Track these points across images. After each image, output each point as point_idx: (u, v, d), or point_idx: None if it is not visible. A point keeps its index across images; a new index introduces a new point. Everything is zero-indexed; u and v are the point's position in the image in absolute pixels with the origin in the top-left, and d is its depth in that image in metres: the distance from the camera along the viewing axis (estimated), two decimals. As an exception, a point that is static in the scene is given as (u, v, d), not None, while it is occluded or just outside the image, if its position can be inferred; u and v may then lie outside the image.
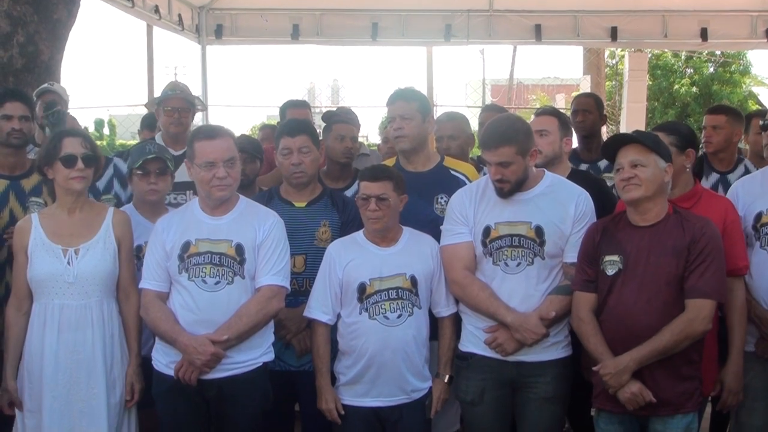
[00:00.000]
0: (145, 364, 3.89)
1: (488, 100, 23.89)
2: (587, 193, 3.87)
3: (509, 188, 3.71)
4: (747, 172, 5.11)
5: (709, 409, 4.70)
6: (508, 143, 3.69)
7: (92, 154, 3.82)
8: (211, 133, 3.78)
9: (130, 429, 3.89)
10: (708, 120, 5.32)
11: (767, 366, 4.05)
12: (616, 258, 3.55)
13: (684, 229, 3.54)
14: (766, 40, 8.41)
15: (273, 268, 3.77)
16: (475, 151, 6.29)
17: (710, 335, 3.80)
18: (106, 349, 3.75)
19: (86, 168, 3.78)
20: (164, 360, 3.78)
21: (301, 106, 6.06)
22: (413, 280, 3.82)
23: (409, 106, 4.33)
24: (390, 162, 4.53)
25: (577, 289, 3.66)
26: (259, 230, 3.80)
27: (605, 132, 7.65)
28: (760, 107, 22.01)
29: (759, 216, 3.99)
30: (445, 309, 3.94)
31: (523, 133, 3.78)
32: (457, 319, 3.97)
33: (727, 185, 4.93)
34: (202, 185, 3.75)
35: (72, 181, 3.76)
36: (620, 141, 3.66)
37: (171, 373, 3.72)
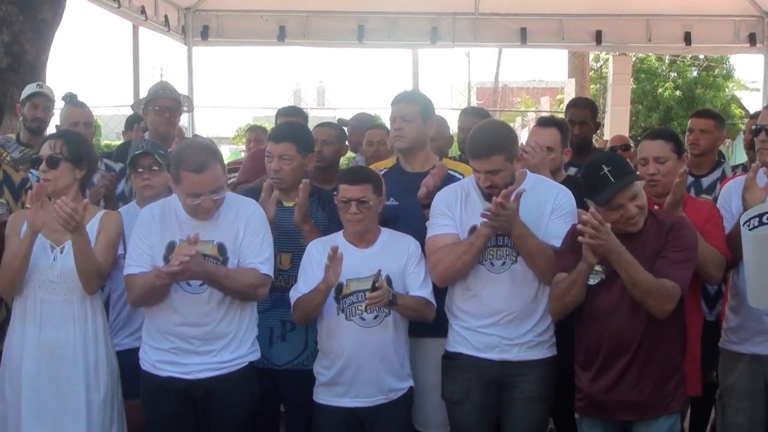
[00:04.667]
0: (131, 356, 3.90)
1: (474, 103, 23.94)
2: (567, 190, 3.92)
3: (498, 193, 3.72)
4: (723, 175, 5.16)
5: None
6: (498, 152, 3.71)
7: (55, 156, 3.81)
8: (199, 166, 3.60)
9: (122, 424, 3.88)
10: (696, 123, 5.33)
11: (752, 366, 4.09)
12: (598, 268, 3.55)
13: (661, 230, 3.59)
14: (748, 45, 8.47)
15: (259, 255, 3.77)
16: (455, 151, 6.34)
17: (693, 336, 3.84)
18: (88, 348, 3.75)
19: (49, 169, 3.79)
20: (152, 359, 3.79)
21: (295, 113, 6.02)
22: (389, 281, 3.83)
23: (411, 109, 4.39)
24: (381, 165, 4.58)
25: (559, 271, 3.66)
26: (241, 223, 3.80)
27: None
28: (742, 110, 22.18)
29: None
30: (420, 291, 3.91)
31: (511, 141, 3.83)
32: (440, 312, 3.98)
33: (699, 188, 4.99)
34: (186, 207, 3.73)
35: (42, 181, 3.81)
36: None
37: (158, 372, 3.75)
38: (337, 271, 3.69)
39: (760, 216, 3.47)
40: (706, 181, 5.15)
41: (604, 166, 3.55)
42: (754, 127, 4.25)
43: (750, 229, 3.46)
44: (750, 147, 5.45)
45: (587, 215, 3.34)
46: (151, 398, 3.84)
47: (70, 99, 5.42)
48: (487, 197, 3.72)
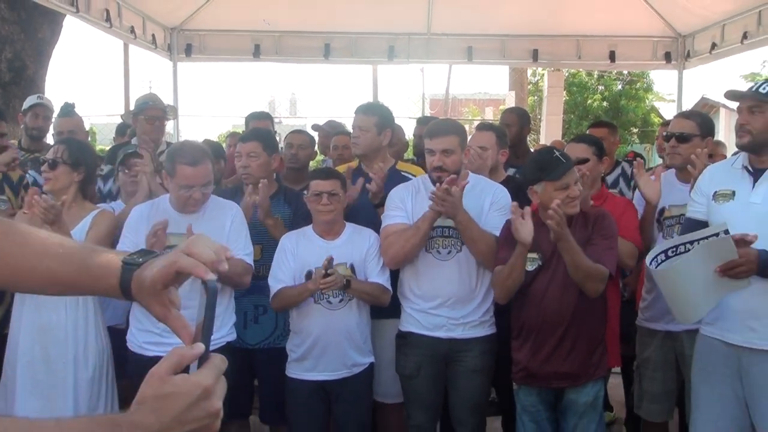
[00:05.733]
0: (119, 336, 3.86)
1: (427, 112, 23.88)
2: (503, 188, 3.95)
3: (444, 178, 3.72)
4: (623, 172, 5.33)
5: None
6: (454, 132, 3.81)
7: (56, 159, 3.85)
8: (194, 159, 3.67)
9: (112, 399, 3.83)
10: (594, 133, 5.41)
11: (665, 341, 4.15)
12: (534, 255, 3.60)
13: (587, 222, 3.63)
14: (665, 62, 8.54)
15: (245, 248, 3.79)
16: (410, 154, 6.35)
17: (613, 314, 3.90)
18: (78, 330, 3.70)
19: (50, 170, 3.86)
20: (139, 340, 3.75)
21: (263, 117, 6.09)
22: (353, 269, 3.84)
23: (367, 120, 4.40)
24: (345, 167, 4.56)
25: (498, 263, 3.66)
26: (226, 221, 3.80)
27: (530, 141, 7.71)
28: (661, 119, 22.42)
29: (662, 211, 4.15)
30: (378, 278, 3.90)
31: (463, 131, 3.93)
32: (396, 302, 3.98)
33: (606, 185, 5.02)
34: (177, 200, 3.73)
35: (44, 180, 3.91)
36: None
37: (145, 353, 3.71)
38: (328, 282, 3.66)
39: (665, 251, 3.46)
40: (609, 179, 5.25)
41: (555, 151, 3.69)
42: (665, 134, 4.32)
43: (657, 266, 3.44)
44: (661, 150, 5.57)
45: (555, 205, 3.35)
46: (138, 377, 3.77)
47: (67, 109, 5.36)
48: (435, 181, 3.75)
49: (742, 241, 3.19)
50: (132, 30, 7.14)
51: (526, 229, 3.47)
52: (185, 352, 1.06)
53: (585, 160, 3.77)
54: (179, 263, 1.20)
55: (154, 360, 3.44)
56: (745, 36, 7.07)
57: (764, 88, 3.44)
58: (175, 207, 3.78)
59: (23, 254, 1.30)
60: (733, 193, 3.49)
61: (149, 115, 5.13)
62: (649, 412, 4.26)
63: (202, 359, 1.07)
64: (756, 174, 3.46)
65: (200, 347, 1.07)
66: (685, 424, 3.96)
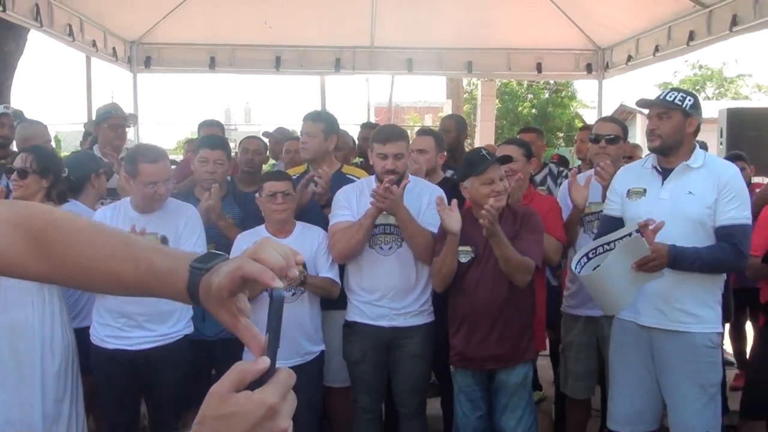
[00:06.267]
0: (83, 336, 3.81)
1: (372, 119, 23.95)
2: (440, 189, 3.98)
3: (397, 179, 3.76)
4: (550, 172, 5.42)
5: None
6: (404, 139, 3.85)
7: (25, 169, 3.81)
8: (154, 157, 3.70)
9: (77, 392, 3.79)
10: (525, 137, 5.46)
11: (587, 326, 4.25)
12: (468, 249, 3.64)
13: (515, 219, 3.70)
14: (586, 73, 8.71)
15: (194, 248, 3.73)
16: (356, 158, 6.37)
17: (540, 302, 3.96)
18: (45, 327, 3.62)
19: (20, 179, 3.81)
20: (101, 334, 3.72)
21: (214, 125, 6.10)
22: (304, 265, 3.83)
23: (315, 126, 4.39)
24: (295, 170, 4.57)
25: (435, 255, 3.70)
26: (180, 222, 3.78)
27: (466, 145, 7.79)
28: (584, 124, 22.83)
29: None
30: (328, 273, 3.92)
31: (408, 136, 3.95)
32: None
33: (534, 183, 5.10)
34: (143, 198, 3.70)
35: (14, 188, 3.85)
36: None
37: (107, 345, 3.68)
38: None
39: (587, 254, 3.55)
40: (538, 178, 5.33)
41: (482, 150, 3.79)
42: (592, 136, 4.40)
43: (581, 269, 3.51)
44: (579, 152, 5.70)
45: (488, 206, 3.38)
46: (100, 368, 3.77)
47: (19, 119, 5.32)
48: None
49: (649, 230, 3.30)
50: (94, 43, 7.05)
51: (453, 220, 3.52)
52: (248, 368, 0.90)
53: (509, 158, 3.82)
54: (244, 269, 1.04)
55: (115, 352, 3.43)
56: (656, 49, 7.27)
57: (670, 96, 3.56)
58: (138, 208, 3.76)
59: (86, 253, 1.19)
60: (645, 190, 3.61)
61: (112, 124, 5.14)
62: (573, 389, 4.36)
63: (268, 374, 0.91)
64: (665, 173, 3.59)
65: (265, 362, 0.91)
66: (606, 399, 4.05)
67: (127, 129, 5.42)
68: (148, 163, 3.65)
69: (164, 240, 3.68)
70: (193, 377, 3.94)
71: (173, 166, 4.79)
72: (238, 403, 0.88)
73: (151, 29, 8.03)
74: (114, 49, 7.65)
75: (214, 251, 1.18)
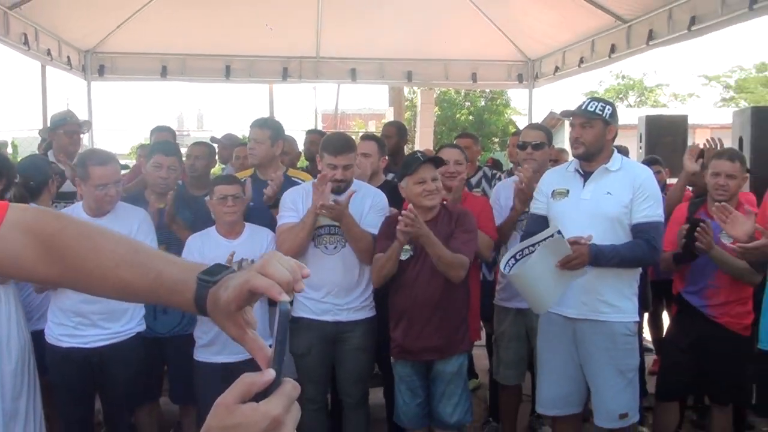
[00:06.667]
0: (39, 337, 3.74)
1: (320, 126, 23.86)
2: (381, 192, 4.01)
3: (344, 187, 3.80)
4: (485, 175, 5.47)
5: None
6: (353, 150, 3.86)
7: None
8: (103, 160, 3.66)
9: (35, 391, 3.71)
10: (460, 143, 5.52)
11: (517, 317, 4.33)
12: (407, 247, 3.66)
13: (451, 219, 3.74)
14: (518, 82, 8.86)
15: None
16: (302, 162, 6.38)
17: (474, 296, 4.02)
18: (1, 328, 3.53)
19: None
20: (55, 333, 3.65)
21: (165, 130, 6.03)
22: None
23: (262, 133, 4.38)
24: (243, 174, 4.55)
25: (377, 252, 3.72)
26: (133, 224, 3.73)
27: (407, 150, 7.83)
28: (516, 130, 23.13)
29: (512, 208, 4.27)
30: None
31: (356, 147, 3.96)
32: None
33: (470, 186, 5.17)
34: (95, 201, 3.64)
35: None
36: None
37: (61, 344, 3.62)
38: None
39: (514, 256, 3.59)
40: (473, 180, 5.39)
41: (418, 152, 3.88)
42: (519, 143, 4.48)
43: (509, 270, 3.56)
44: (511, 156, 5.80)
45: (407, 211, 3.41)
46: (55, 367, 3.70)
47: None
48: (336, 190, 3.79)
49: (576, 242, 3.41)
50: (48, 52, 6.91)
51: (402, 235, 3.52)
52: (254, 380, 0.88)
53: (441, 160, 3.85)
54: (252, 283, 1.02)
55: (69, 351, 3.35)
56: (581, 60, 7.45)
57: (591, 106, 3.66)
58: (90, 211, 3.70)
59: (95, 260, 1.16)
60: (568, 191, 3.71)
61: (67, 130, 5.07)
62: (505, 376, 4.44)
63: (273, 386, 0.89)
64: (586, 175, 3.70)
65: (270, 374, 0.89)
66: (535, 385, 4.13)
67: (81, 135, 5.33)
68: (97, 166, 3.61)
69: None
70: (145, 374, 3.91)
71: (125, 171, 4.73)
72: (244, 414, 0.86)
73: (104, 39, 7.89)
74: (69, 57, 7.51)
75: (220, 264, 1.17)
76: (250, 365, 3.15)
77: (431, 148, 12.62)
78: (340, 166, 3.79)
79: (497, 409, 4.76)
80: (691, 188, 4.98)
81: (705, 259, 3.86)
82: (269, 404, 0.87)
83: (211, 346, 3.89)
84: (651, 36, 6.11)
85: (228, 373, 3.89)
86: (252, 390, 0.87)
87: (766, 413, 3.94)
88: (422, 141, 16.16)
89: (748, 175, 4.33)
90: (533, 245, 3.53)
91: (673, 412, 4.18)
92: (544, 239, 3.49)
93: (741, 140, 5.42)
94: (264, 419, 0.85)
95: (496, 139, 25.62)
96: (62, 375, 3.69)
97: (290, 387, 0.89)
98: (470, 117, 25.31)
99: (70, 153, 4.95)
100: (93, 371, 3.68)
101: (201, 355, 3.93)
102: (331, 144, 3.89)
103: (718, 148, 4.64)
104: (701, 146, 4.73)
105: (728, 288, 3.89)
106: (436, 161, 3.76)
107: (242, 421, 0.85)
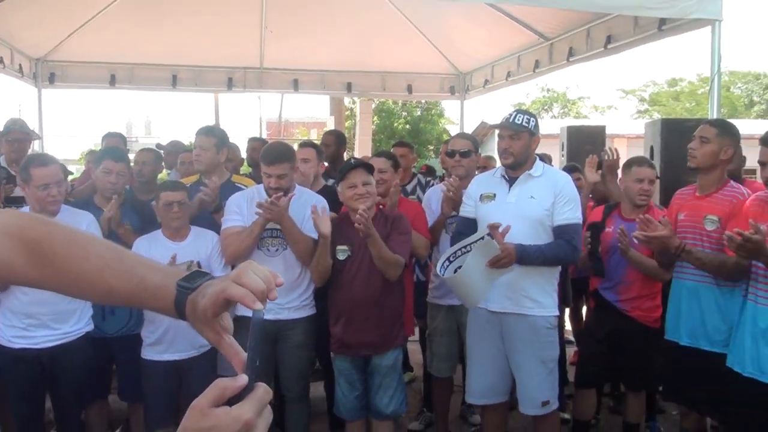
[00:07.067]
0: None
1: (264, 134, 23.71)
2: (322, 198, 3.99)
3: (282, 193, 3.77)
4: (419, 182, 5.54)
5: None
6: (287, 160, 3.80)
7: None
8: (44, 161, 3.59)
9: None
10: (396, 151, 5.55)
11: (449, 314, 4.38)
12: (345, 247, 3.69)
13: (386, 222, 3.78)
14: (450, 94, 8.99)
15: None
16: (245, 169, 6.33)
17: (408, 294, 4.06)
18: None
19: None
20: (7, 335, 3.55)
21: (116, 136, 5.95)
22: (199, 265, 3.79)
23: (208, 140, 4.34)
24: (188, 180, 4.50)
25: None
26: (80, 228, 3.63)
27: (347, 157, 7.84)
28: (449, 138, 23.36)
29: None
30: (222, 273, 3.85)
31: (293, 156, 3.92)
32: None
33: (405, 192, 5.23)
34: (38, 202, 3.53)
35: None
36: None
37: (13, 345, 3.53)
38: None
39: (448, 258, 3.66)
40: (409, 187, 5.46)
41: (352, 159, 3.95)
42: (449, 150, 4.54)
43: (444, 272, 3.62)
44: (443, 163, 5.87)
45: (359, 213, 3.43)
46: (7, 367, 3.60)
47: None
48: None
49: (498, 232, 3.47)
50: (1, 60, 6.69)
51: (324, 225, 3.58)
52: (228, 384, 0.88)
53: (369, 166, 3.87)
54: (228, 292, 1.02)
55: (21, 351, 3.28)
56: (509, 74, 7.61)
57: (518, 119, 3.74)
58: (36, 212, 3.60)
59: (83, 268, 1.15)
60: (494, 195, 3.79)
61: (12, 138, 4.96)
62: (438, 369, 4.49)
63: (246, 390, 0.89)
64: (511, 181, 3.78)
65: (243, 379, 0.89)
66: (465, 376, 4.20)
67: (29, 143, 5.20)
68: (38, 167, 3.53)
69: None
70: (95, 373, 3.84)
71: (72, 176, 4.62)
72: (218, 417, 0.86)
73: (55, 47, 7.68)
74: (20, 65, 7.29)
75: (200, 270, 1.15)
76: (195, 362, 3.15)
77: (369, 155, 12.66)
78: (274, 175, 3.77)
79: (431, 400, 4.82)
80: (590, 195, 5.05)
81: (618, 258, 4.00)
82: (242, 408, 0.87)
83: (158, 345, 3.83)
84: (571, 53, 6.30)
85: (175, 370, 3.85)
86: (226, 394, 0.87)
87: (673, 398, 4.07)
88: (361, 149, 16.21)
89: (657, 180, 4.50)
90: (464, 247, 3.61)
91: (591, 399, 4.31)
92: (475, 241, 3.56)
93: (652, 149, 5.61)
94: (236, 423, 0.85)
95: (432, 147, 25.82)
96: (14, 375, 3.59)
97: (262, 392, 0.89)
98: (407, 126, 25.45)
99: (15, 160, 4.80)
100: (44, 371, 3.59)
101: (148, 353, 3.87)
102: (266, 155, 3.87)
103: (614, 157, 4.83)
104: (601, 156, 4.91)
105: (639, 284, 4.04)
106: (367, 167, 3.78)
107: (216, 424, 0.85)
